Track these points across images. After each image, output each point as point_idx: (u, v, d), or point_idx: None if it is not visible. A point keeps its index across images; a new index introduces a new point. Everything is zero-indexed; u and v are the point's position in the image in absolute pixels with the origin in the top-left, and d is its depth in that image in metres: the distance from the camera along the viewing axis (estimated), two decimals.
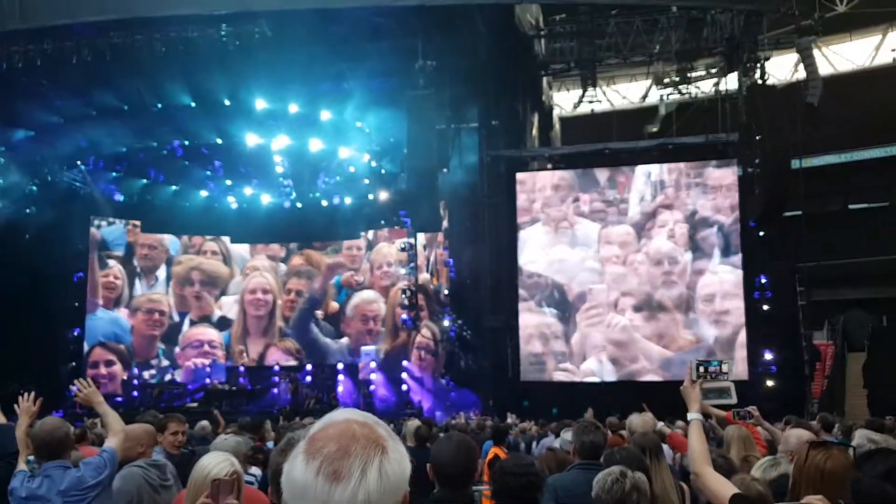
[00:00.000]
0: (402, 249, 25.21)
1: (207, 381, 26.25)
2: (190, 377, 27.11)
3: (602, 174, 23.26)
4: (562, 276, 23.01)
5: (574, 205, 23.17)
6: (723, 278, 22.09)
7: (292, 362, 27.59)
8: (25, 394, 4.54)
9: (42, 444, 4.17)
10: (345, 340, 28.14)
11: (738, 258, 21.98)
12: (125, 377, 26.92)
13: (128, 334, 27.85)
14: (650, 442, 4.55)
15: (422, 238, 25.97)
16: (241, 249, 29.71)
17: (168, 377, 27.40)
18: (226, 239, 29.49)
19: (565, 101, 29.04)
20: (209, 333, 28.54)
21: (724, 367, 3.30)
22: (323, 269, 29.05)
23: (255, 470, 6.14)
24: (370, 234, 28.98)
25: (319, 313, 28.58)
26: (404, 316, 24.70)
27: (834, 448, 2.58)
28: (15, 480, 4.07)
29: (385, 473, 1.30)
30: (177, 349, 28.18)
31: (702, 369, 3.29)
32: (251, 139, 25.73)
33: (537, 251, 23.24)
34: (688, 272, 22.30)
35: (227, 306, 29.11)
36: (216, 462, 3.25)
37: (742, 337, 21.53)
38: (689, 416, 3.28)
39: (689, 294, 22.21)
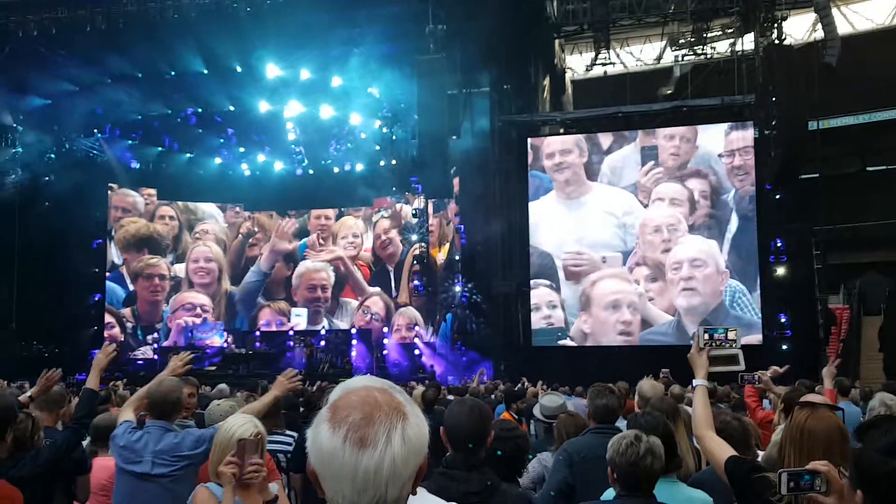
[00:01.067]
0: (414, 216, 25.23)
1: (224, 345, 26.56)
2: (179, 335, 27.35)
3: (608, 138, 23.27)
4: (575, 245, 23.09)
5: (589, 168, 23.17)
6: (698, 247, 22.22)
7: (284, 325, 27.89)
8: (182, 353, 4.78)
9: (155, 403, 4.29)
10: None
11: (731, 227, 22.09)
12: (121, 339, 27.23)
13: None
14: (668, 406, 4.53)
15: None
16: (213, 212, 29.87)
17: (165, 342, 27.63)
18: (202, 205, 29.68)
19: (578, 63, 28.75)
20: (200, 297, 28.81)
21: (731, 335, 3.33)
22: (272, 235, 29.49)
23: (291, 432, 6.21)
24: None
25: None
26: (416, 282, 24.84)
27: (820, 408, 2.60)
28: (119, 428, 4.22)
29: (408, 438, 1.35)
30: (167, 312, 28.46)
31: (707, 336, 3.33)
32: (263, 106, 25.71)
33: (552, 223, 23.34)
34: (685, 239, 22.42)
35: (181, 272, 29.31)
36: (240, 424, 3.31)
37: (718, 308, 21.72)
38: (695, 382, 3.35)
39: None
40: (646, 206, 22.68)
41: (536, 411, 5.98)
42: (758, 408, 6.36)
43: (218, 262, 29.22)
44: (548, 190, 23.48)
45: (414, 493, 1.41)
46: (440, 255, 26.23)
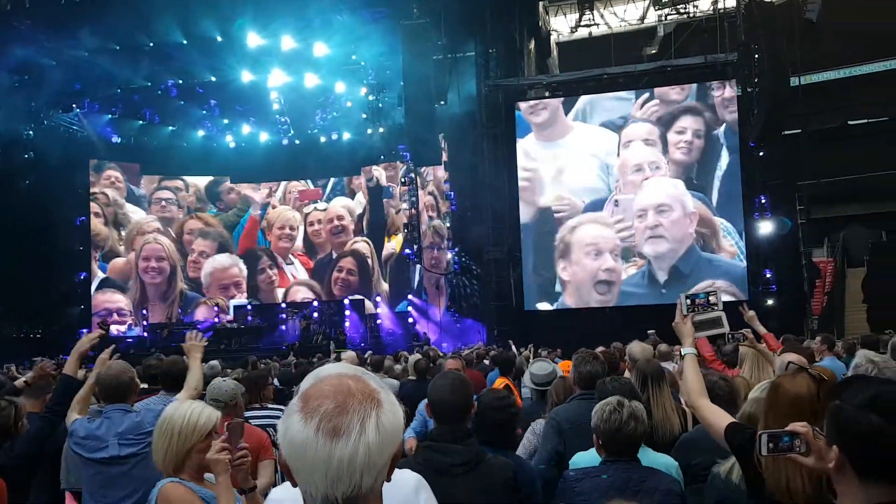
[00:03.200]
0: (402, 183, 25.18)
1: (216, 319, 26.55)
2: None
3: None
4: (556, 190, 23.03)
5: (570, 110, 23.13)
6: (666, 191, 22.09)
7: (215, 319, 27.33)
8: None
9: (107, 387, 4.22)
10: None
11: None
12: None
13: None
14: (653, 369, 4.60)
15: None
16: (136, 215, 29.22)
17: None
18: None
19: (562, 25, 28.56)
20: (117, 300, 28.07)
21: (712, 298, 3.26)
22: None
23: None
24: (279, 189, 29.56)
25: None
26: (407, 250, 24.87)
27: (801, 374, 2.63)
28: (75, 423, 4.17)
29: (382, 425, 1.32)
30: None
31: (689, 302, 3.26)
32: (246, 76, 25.43)
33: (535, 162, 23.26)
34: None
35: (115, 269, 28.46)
36: (199, 410, 3.06)
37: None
38: (683, 350, 3.27)
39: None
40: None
41: (527, 380, 6.00)
42: (713, 359, 6.45)
43: (171, 260, 28.72)
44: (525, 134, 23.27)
45: (388, 480, 1.38)
46: (391, 245, 26.87)
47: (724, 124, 22.11)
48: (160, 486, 2.93)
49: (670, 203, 21.97)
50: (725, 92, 22.07)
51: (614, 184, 22.48)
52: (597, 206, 22.58)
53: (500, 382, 7.36)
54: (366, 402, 1.33)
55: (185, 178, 29.47)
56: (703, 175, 22.14)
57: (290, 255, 29.35)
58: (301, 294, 28.68)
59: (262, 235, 29.51)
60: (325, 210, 29.14)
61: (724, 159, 22.08)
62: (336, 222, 28.89)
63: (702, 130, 22.23)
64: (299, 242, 29.45)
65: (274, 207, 29.75)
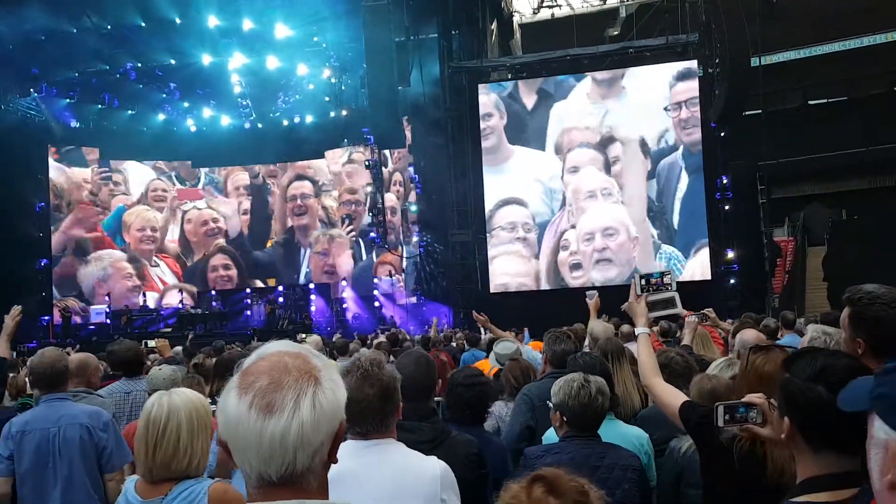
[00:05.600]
0: (367, 167, 25.03)
1: (180, 305, 26.25)
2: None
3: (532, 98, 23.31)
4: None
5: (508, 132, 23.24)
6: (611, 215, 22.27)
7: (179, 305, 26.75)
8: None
9: (41, 376, 4.10)
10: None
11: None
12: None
13: None
14: (613, 346, 4.65)
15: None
16: None
17: None
18: None
19: (525, 7, 28.53)
20: None
21: (667, 279, 3.25)
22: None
23: None
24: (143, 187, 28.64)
25: None
26: (372, 234, 24.78)
27: (773, 350, 2.62)
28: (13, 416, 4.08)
29: (319, 403, 1.31)
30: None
31: (644, 282, 3.26)
32: (206, 59, 25.09)
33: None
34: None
35: None
36: (199, 396, 2.88)
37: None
38: (637, 330, 3.29)
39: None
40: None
41: (492, 360, 6.04)
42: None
43: None
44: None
45: (335, 462, 1.37)
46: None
47: (682, 146, 22.22)
48: (207, 489, 2.63)
49: (616, 227, 22.18)
50: (682, 113, 22.18)
51: (568, 208, 22.64)
52: (542, 228, 22.87)
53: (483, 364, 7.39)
54: (302, 379, 1.31)
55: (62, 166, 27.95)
56: (663, 197, 22.39)
57: (155, 258, 28.33)
58: (171, 298, 27.46)
59: (120, 237, 28.17)
60: (200, 210, 28.65)
61: (685, 181, 22.25)
62: (212, 224, 28.50)
63: (618, 156, 22.44)
64: (171, 244, 28.65)
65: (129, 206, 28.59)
